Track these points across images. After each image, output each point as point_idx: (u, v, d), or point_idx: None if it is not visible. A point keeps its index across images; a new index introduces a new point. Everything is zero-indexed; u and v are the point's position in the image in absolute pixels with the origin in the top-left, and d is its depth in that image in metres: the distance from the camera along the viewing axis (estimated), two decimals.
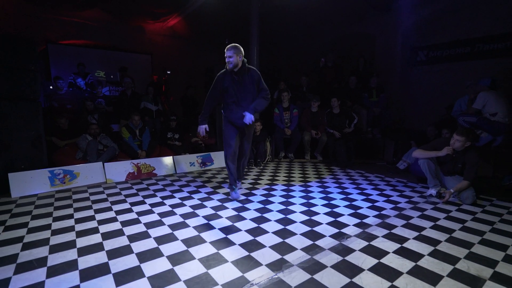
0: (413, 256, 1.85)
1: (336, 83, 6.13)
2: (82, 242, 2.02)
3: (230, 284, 1.54)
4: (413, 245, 2.01)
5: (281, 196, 3.14)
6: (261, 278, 1.59)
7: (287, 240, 2.06)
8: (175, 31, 8.18)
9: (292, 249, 1.94)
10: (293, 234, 2.17)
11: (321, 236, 2.14)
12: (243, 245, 1.98)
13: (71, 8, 6.17)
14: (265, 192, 3.29)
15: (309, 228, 2.27)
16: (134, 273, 1.64)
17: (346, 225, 2.34)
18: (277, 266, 1.72)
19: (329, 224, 2.36)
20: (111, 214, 2.56)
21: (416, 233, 2.20)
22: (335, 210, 2.70)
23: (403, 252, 1.90)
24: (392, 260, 1.79)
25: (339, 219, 2.48)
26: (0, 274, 1.63)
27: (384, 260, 1.79)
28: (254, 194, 3.18)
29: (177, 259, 1.80)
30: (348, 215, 2.58)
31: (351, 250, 1.91)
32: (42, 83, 6.08)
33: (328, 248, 1.94)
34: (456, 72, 5.47)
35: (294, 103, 5.56)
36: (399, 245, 1.99)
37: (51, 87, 5.75)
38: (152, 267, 1.70)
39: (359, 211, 2.68)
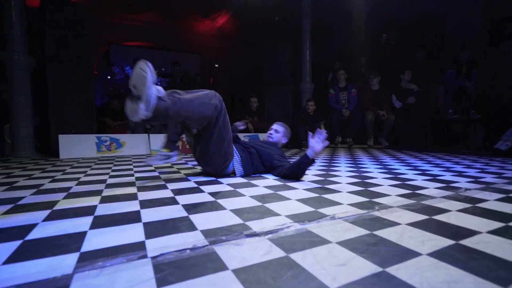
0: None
1: (399, 62, 5.32)
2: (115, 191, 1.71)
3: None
4: None
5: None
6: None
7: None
8: (222, 32, 8.25)
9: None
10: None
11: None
12: None
13: (129, 10, 6.59)
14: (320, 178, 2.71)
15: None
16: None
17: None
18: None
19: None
20: (154, 173, 2.26)
21: None
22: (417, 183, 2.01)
23: None
24: None
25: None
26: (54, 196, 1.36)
27: None
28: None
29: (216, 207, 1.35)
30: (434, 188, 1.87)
31: None
32: (101, 75, 6.51)
33: None
34: None
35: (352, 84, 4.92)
36: None
37: (108, 77, 6.06)
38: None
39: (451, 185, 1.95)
